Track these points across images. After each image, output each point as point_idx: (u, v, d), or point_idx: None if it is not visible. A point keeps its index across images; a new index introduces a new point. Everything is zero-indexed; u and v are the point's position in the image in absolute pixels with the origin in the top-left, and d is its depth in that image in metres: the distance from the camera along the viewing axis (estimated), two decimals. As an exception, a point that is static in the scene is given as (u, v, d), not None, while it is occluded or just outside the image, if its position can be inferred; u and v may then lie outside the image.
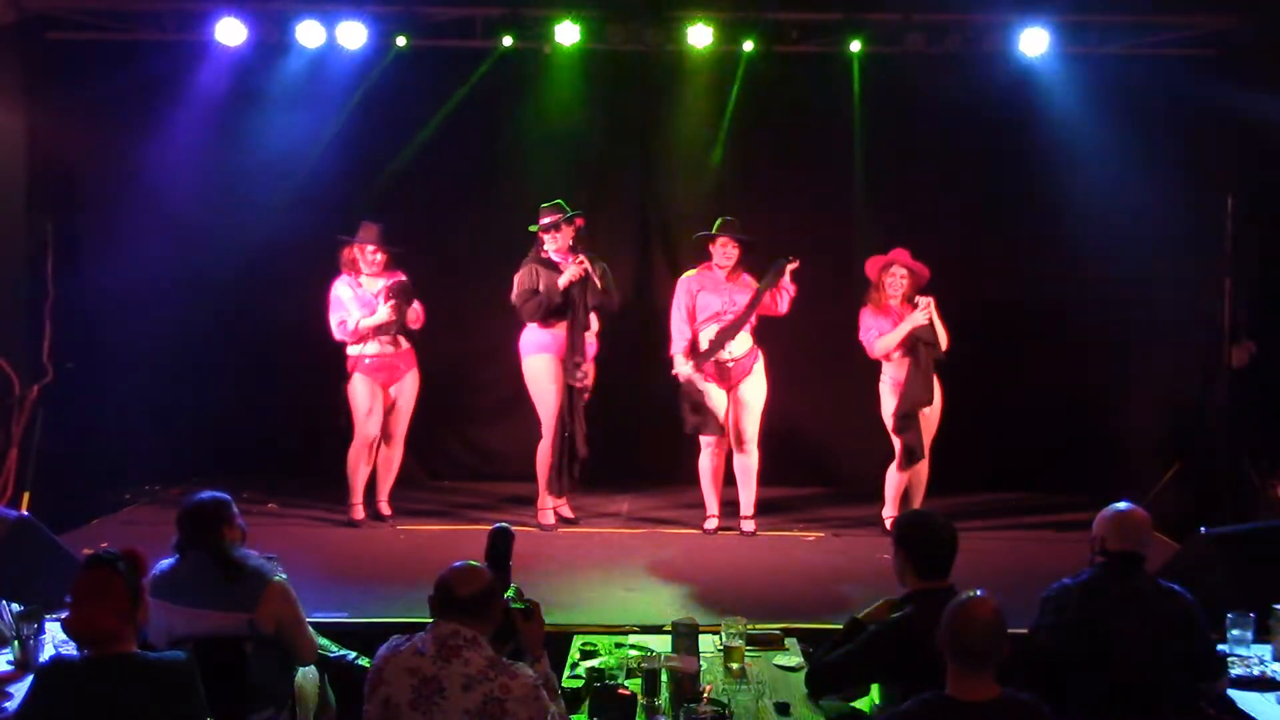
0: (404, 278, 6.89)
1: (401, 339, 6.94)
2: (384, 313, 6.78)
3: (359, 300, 6.84)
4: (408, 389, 7.02)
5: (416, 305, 6.94)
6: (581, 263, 6.74)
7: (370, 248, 6.83)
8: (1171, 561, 4.95)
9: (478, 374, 7.96)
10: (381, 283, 6.88)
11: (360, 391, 6.91)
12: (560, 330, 6.78)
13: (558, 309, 6.76)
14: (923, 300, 6.68)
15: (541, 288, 6.74)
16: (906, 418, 6.73)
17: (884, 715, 3.66)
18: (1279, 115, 6.87)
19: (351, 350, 6.88)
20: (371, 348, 6.86)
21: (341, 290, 6.86)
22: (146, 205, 7.60)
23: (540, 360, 6.84)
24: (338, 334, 6.85)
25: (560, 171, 7.79)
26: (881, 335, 6.74)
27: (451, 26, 7.64)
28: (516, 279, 6.82)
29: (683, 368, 6.79)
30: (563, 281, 6.70)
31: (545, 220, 6.79)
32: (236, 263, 7.59)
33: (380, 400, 6.96)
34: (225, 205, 7.72)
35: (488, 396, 7.98)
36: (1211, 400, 7.25)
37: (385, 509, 7.14)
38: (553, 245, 6.81)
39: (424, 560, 6.02)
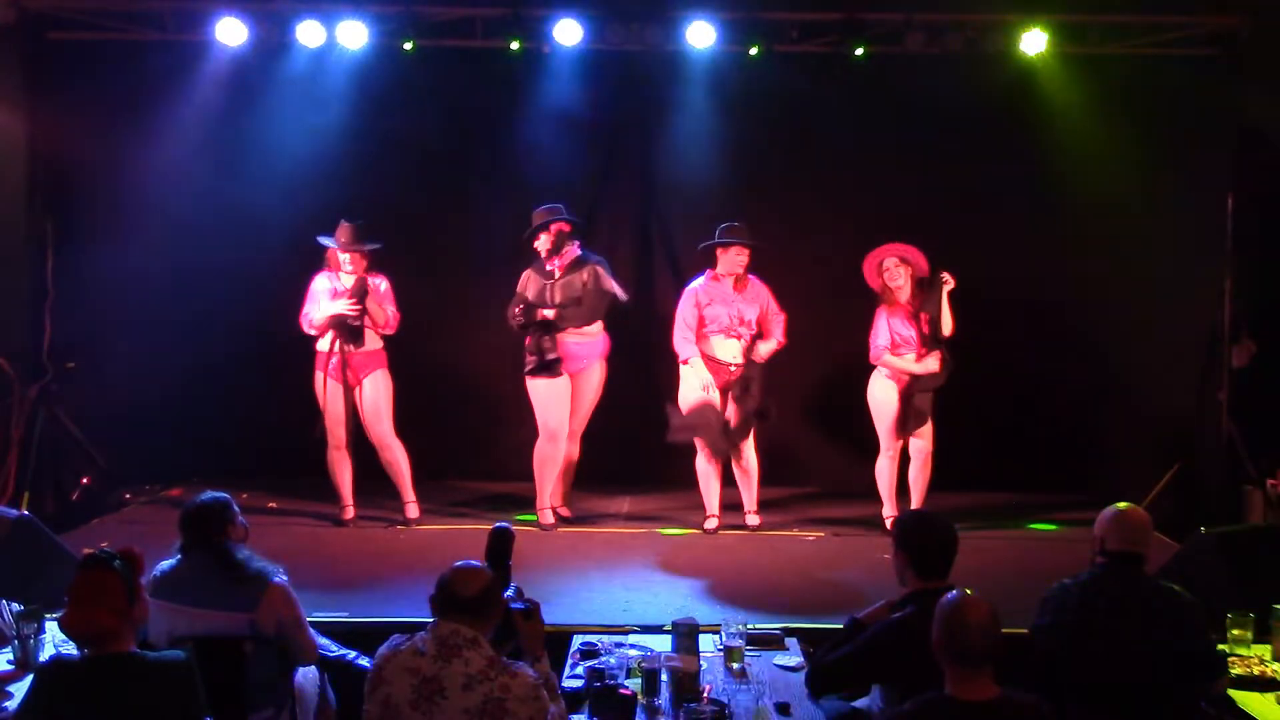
0: (366, 277, 6.76)
1: (366, 338, 6.83)
2: (340, 306, 6.71)
3: (331, 292, 6.81)
4: (375, 390, 6.89)
5: (390, 309, 6.85)
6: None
7: (340, 250, 6.81)
8: (1171, 561, 4.95)
9: (478, 373, 7.96)
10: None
11: (322, 390, 6.86)
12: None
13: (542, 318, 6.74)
14: (946, 276, 6.66)
15: (529, 293, 6.76)
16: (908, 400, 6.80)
17: (884, 715, 3.67)
18: (1279, 115, 6.87)
19: (320, 346, 6.84)
20: (328, 343, 6.80)
21: (319, 283, 6.84)
22: (146, 205, 7.61)
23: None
24: (304, 326, 6.82)
25: (560, 172, 7.78)
26: (891, 353, 6.73)
27: (452, 26, 7.64)
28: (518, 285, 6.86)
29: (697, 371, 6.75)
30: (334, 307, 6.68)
31: (535, 223, 6.79)
32: (236, 262, 7.59)
33: (344, 399, 6.86)
34: (225, 205, 7.71)
35: (488, 395, 7.98)
36: (1211, 400, 7.25)
37: (412, 511, 7.02)
38: (543, 249, 6.79)
39: (424, 560, 6.02)
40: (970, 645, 3.05)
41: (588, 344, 6.90)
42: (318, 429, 6.84)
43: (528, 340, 6.77)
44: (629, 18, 7.37)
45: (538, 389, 6.85)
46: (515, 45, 7.50)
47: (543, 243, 6.78)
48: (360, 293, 6.70)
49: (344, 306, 6.70)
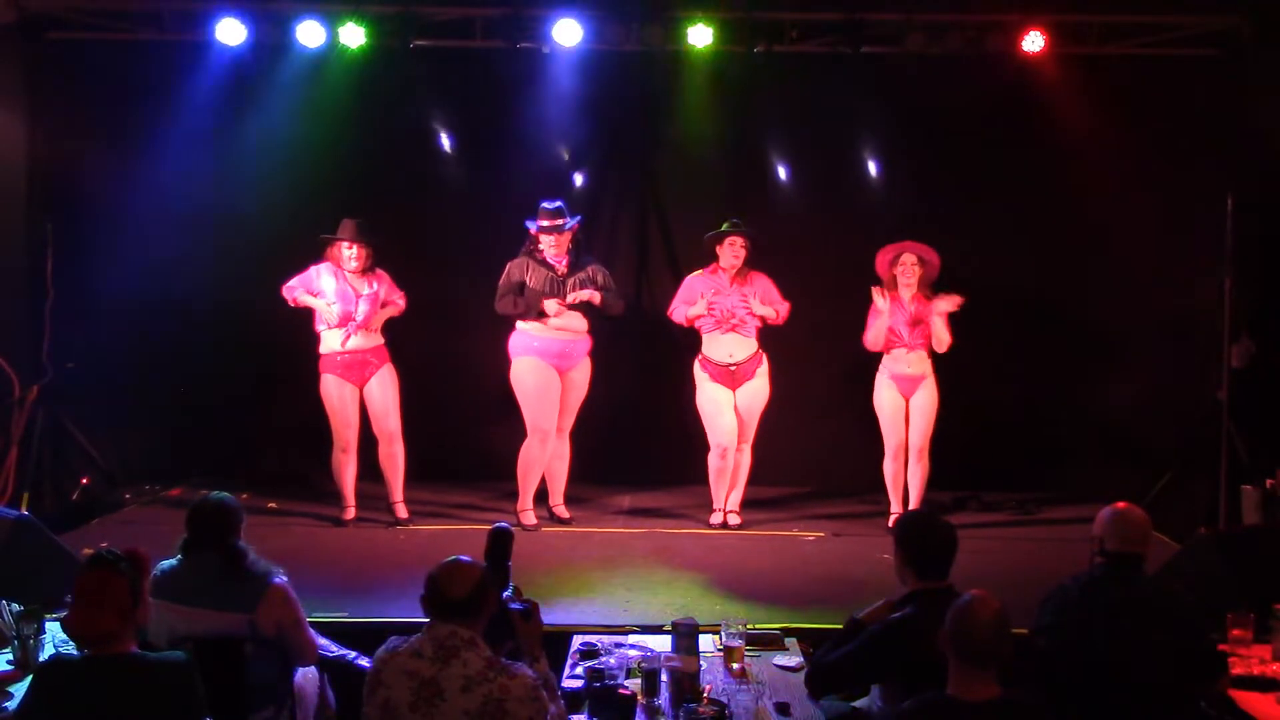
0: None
1: (373, 333, 6.88)
2: (341, 334, 6.80)
3: (339, 291, 6.80)
4: (383, 385, 6.92)
5: (398, 297, 6.91)
6: (567, 301, 6.75)
7: (345, 243, 6.80)
8: (1171, 561, 4.95)
9: (477, 372, 7.94)
10: (364, 284, 6.85)
11: (332, 393, 6.87)
12: (546, 332, 6.78)
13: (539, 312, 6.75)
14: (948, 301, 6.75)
15: (529, 281, 6.74)
16: None
17: (884, 715, 3.67)
18: (1279, 116, 6.87)
19: (323, 349, 6.86)
20: (334, 342, 6.80)
21: (325, 281, 6.81)
22: (146, 205, 7.60)
23: (527, 363, 6.83)
24: (285, 293, 6.80)
25: (560, 172, 7.78)
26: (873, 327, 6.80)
27: (452, 26, 7.63)
28: (506, 268, 6.83)
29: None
30: (551, 309, 6.71)
31: (543, 221, 6.77)
32: (236, 262, 7.59)
33: (353, 401, 6.89)
34: (225, 205, 7.72)
35: (487, 394, 7.97)
36: (1211, 400, 7.25)
37: (401, 511, 7.04)
38: (550, 249, 6.79)
39: (423, 560, 5.98)
40: (978, 643, 3.05)
41: (579, 342, 6.91)
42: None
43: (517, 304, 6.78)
44: (629, 18, 7.37)
45: (526, 390, 6.83)
46: (507, 41, 7.49)
47: (557, 244, 6.75)
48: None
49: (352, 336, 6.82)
